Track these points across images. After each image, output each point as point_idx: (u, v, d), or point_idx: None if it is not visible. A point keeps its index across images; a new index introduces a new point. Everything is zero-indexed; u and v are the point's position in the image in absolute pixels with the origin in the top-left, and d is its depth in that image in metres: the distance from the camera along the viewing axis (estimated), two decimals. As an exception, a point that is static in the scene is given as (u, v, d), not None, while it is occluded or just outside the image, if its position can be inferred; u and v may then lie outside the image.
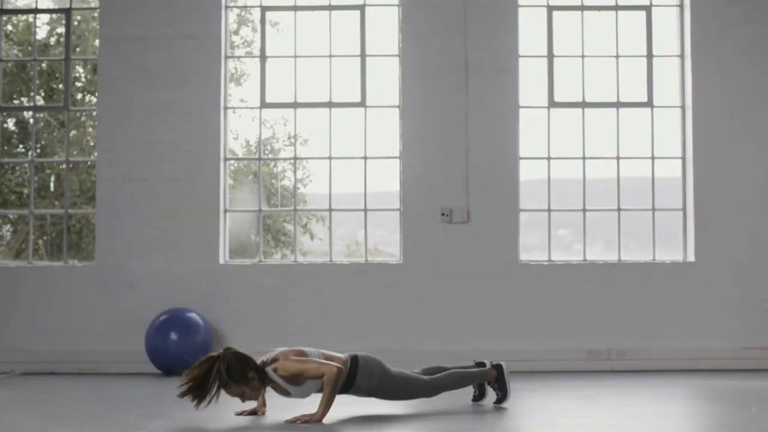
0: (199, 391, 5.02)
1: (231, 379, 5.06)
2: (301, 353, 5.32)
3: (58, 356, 8.41)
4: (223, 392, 5.14)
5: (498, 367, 5.83)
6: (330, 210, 8.85)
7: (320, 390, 5.30)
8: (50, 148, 13.04)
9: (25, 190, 12.16)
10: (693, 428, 5.13)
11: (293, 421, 5.15)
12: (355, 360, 5.46)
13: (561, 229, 9.74)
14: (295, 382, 5.26)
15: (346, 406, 5.64)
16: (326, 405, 5.17)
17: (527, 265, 8.55)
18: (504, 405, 5.79)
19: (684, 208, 8.68)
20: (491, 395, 5.92)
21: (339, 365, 5.25)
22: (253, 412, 5.49)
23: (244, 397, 5.25)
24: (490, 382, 5.84)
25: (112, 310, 8.46)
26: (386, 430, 5.04)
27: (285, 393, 5.35)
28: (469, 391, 6.01)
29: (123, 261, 8.51)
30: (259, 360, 5.29)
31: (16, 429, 5.14)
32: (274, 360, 5.26)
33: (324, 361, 5.29)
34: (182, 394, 5.04)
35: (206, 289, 8.46)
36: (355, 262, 8.79)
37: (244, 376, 5.14)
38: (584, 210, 8.70)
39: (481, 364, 5.91)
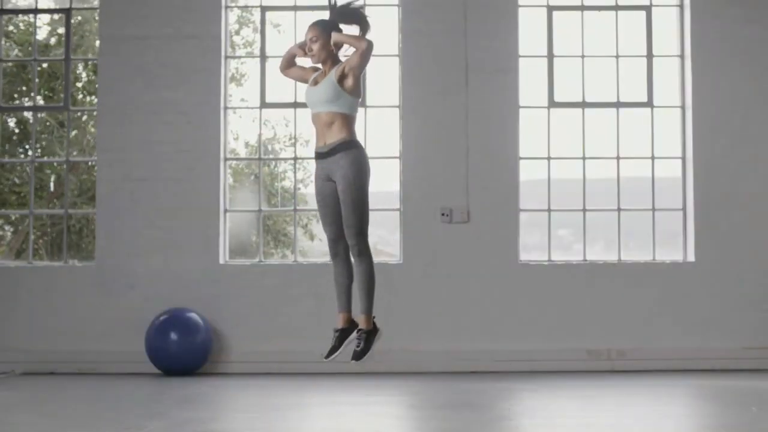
0: (322, 27, 5.27)
1: (334, 27, 5.28)
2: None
3: (58, 356, 8.41)
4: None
5: (374, 322, 5.31)
6: (330, 210, 8.84)
7: (329, 98, 5.25)
8: (50, 148, 13.04)
9: (25, 191, 12.15)
10: (693, 428, 5.13)
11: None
12: (356, 141, 5.30)
13: (561, 229, 9.75)
14: (334, 75, 5.23)
15: (354, 406, 5.64)
16: (348, 37, 5.23)
17: (527, 265, 8.55)
18: (354, 361, 5.20)
19: (684, 208, 8.68)
20: (346, 354, 5.33)
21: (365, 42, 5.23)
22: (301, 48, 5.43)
23: (311, 43, 5.29)
24: (361, 330, 5.26)
25: (112, 310, 8.46)
26: (384, 428, 5.04)
27: (315, 81, 5.33)
28: (481, 392, 6.01)
29: (123, 261, 8.51)
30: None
31: (16, 429, 5.14)
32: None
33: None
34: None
35: (206, 289, 8.46)
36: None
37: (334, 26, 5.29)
38: (584, 210, 8.70)
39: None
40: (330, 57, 5.32)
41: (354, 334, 5.23)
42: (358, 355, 5.17)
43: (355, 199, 5.17)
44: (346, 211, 5.20)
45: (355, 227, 5.18)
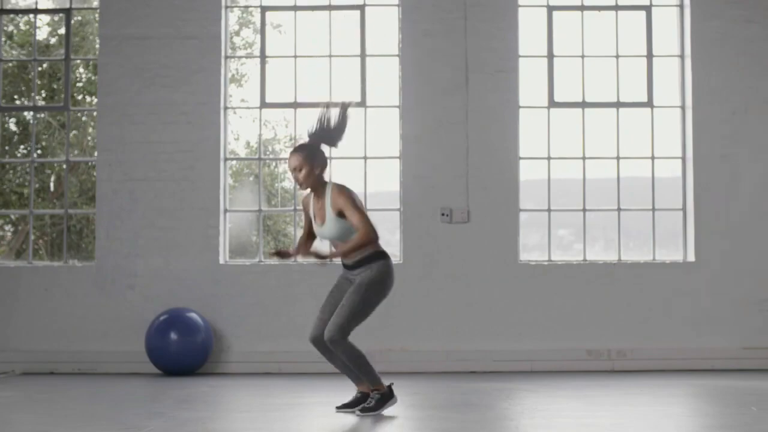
0: (303, 155, 5.45)
1: (315, 158, 5.45)
2: (360, 200, 5.49)
3: (58, 356, 8.42)
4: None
5: (390, 390, 5.55)
6: (330, 210, 8.85)
7: (339, 236, 5.44)
8: (50, 148, 13.04)
9: (26, 191, 12.16)
10: (693, 428, 5.13)
11: (321, 257, 5.40)
12: (382, 255, 5.52)
13: (561, 229, 9.74)
14: (333, 212, 5.39)
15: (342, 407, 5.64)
16: (344, 251, 5.34)
17: (527, 265, 8.55)
18: (362, 415, 5.44)
19: (684, 208, 8.68)
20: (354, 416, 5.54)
21: (376, 234, 5.36)
22: (286, 253, 5.57)
23: (296, 173, 5.45)
24: (373, 391, 5.52)
25: (112, 310, 8.47)
26: (384, 429, 5.04)
27: (321, 219, 5.47)
28: (486, 392, 6.01)
29: (123, 261, 8.51)
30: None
31: (16, 429, 5.14)
32: (336, 185, 5.45)
33: (369, 221, 5.36)
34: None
35: (206, 289, 8.46)
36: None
37: (322, 160, 5.48)
38: (584, 210, 8.70)
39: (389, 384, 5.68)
40: (318, 181, 5.48)
41: (371, 393, 5.53)
42: (363, 410, 5.49)
43: (357, 300, 5.44)
44: (341, 309, 5.45)
45: (338, 323, 5.41)
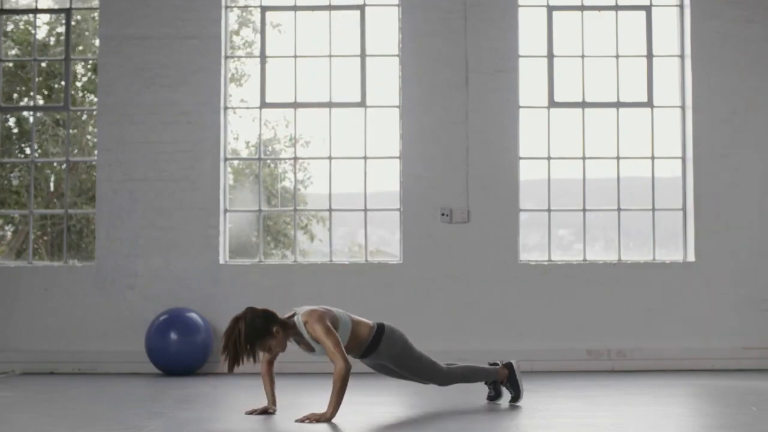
0: (233, 354, 5.15)
1: (255, 335, 5.22)
2: (331, 315, 5.39)
3: (58, 356, 8.42)
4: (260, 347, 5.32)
5: (509, 366, 5.92)
6: (330, 210, 8.86)
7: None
8: (46, 147, 13.03)
9: (26, 190, 12.15)
10: (693, 428, 5.12)
11: (302, 421, 5.15)
12: (381, 327, 5.57)
13: (561, 229, 9.74)
14: (315, 342, 5.35)
15: (354, 406, 5.64)
16: (335, 404, 5.19)
17: (527, 265, 8.55)
18: (519, 404, 5.88)
19: (684, 208, 8.68)
20: (506, 395, 6.01)
21: (348, 364, 5.21)
22: (264, 411, 5.49)
23: (271, 351, 5.36)
24: (503, 381, 5.93)
25: (112, 310, 8.47)
26: (384, 429, 5.04)
27: (309, 349, 5.43)
28: (481, 392, 6.02)
29: (123, 261, 8.51)
30: (285, 315, 5.47)
31: (16, 429, 5.14)
32: (304, 315, 5.38)
33: (340, 349, 5.23)
34: (226, 363, 5.17)
35: (206, 289, 8.46)
36: (355, 262, 8.79)
37: (267, 330, 5.28)
38: (584, 210, 8.70)
39: (494, 365, 5.98)
40: (284, 336, 5.38)
41: (504, 384, 5.96)
42: (514, 400, 5.92)
43: (411, 366, 5.67)
44: (408, 374, 5.74)
45: (426, 377, 5.77)
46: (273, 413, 5.49)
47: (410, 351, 5.64)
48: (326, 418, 5.14)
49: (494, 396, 6.00)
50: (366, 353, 5.54)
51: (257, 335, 5.24)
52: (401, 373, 5.71)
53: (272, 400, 5.55)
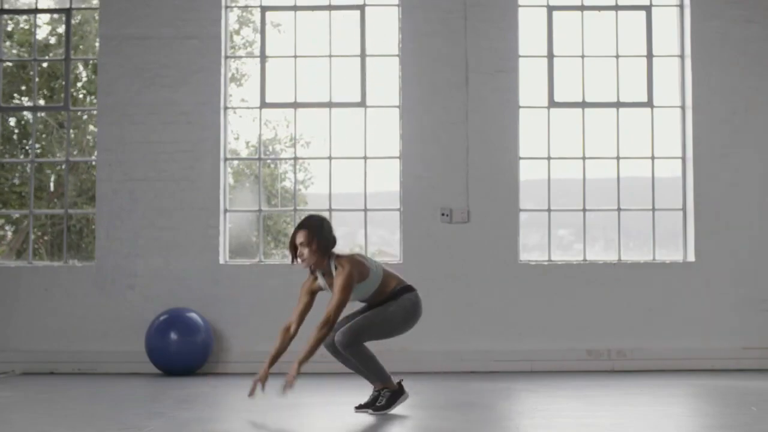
0: (308, 227, 5.45)
1: (329, 235, 5.49)
2: (360, 270, 5.46)
3: (58, 356, 8.42)
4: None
5: (400, 387, 5.62)
6: (330, 210, 8.85)
7: (362, 297, 5.51)
8: (49, 148, 13.04)
9: (26, 189, 12.16)
10: (693, 428, 5.12)
11: (287, 385, 5.31)
12: (405, 290, 5.58)
13: (561, 229, 9.74)
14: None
15: (352, 406, 5.64)
16: (306, 354, 5.36)
17: (527, 265, 8.55)
18: (375, 414, 5.50)
19: (684, 208, 8.68)
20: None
21: (329, 329, 5.36)
22: (254, 386, 5.52)
23: (306, 259, 5.46)
24: (383, 389, 5.57)
25: (112, 310, 8.47)
26: (385, 428, 5.04)
27: (330, 285, 5.50)
28: (482, 392, 6.00)
29: (123, 261, 8.51)
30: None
31: (16, 429, 5.14)
32: (340, 260, 5.47)
33: (337, 312, 5.38)
34: (293, 255, 5.50)
35: (206, 289, 8.46)
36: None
37: (333, 241, 5.52)
38: (584, 210, 8.70)
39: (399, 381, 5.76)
40: (321, 259, 5.48)
41: (381, 392, 5.57)
42: (376, 409, 5.52)
43: (379, 316, 5.51)
44: (364, 315, 5.53)
45: (355, 327, 5.47)
46: (262, 389, 5.50)
47: (390, 318, 5.53)
48: (295, 370, 5.31)
49: (365, 405, 5.61)
50: (380, 300, 5.56)
51: (329, 236, 5.49)
52: (360, 311, 5.64)
53: (266, 370, 5.58)
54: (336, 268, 5.43)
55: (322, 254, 5.47)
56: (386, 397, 5.53)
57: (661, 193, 8.72)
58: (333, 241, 5.53)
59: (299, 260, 5.51)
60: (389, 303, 5.55)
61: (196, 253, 8.51)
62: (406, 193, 8.58)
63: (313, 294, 5.64)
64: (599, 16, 8.91)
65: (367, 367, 5.54)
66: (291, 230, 10.23)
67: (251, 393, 5.51)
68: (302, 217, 5.63)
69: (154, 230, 8.54)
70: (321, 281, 5.58)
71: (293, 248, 5.51)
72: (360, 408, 5.59)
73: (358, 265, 5.44)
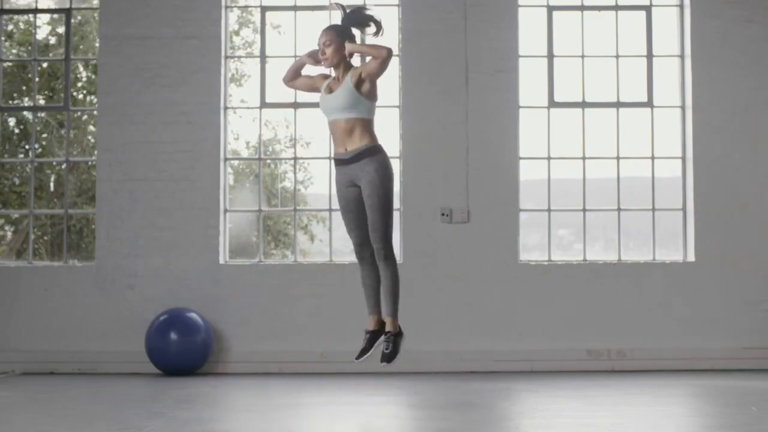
0: (336, 31, 5.36)
1: (345, 35, 5.36)
2: None
3: (58, 356, 8.41)
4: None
5: (399, 330, 5.44)
6: (330, 210, 8.85)
7: (346, 106, 5.33)
8: (49, 148, 13.04)
9: (26, 189, 12.16)
10: (693, 428, 5.13)
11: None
12: (381, 147, 5.40)
13: (561, 229, 9.74)
14: (351, 82, 5.30)
15: (354, 406, 5.64)
16: (363, 49, 5.36)
17: (527, 265, 8.55)
18: (385, 364, 5.31)
19: (684, 208, 8.68)
20: (375, 358, 5.44)
21: (386, 52, 5.29)
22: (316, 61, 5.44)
23: (324, 46, 5.34)
24: (389, 332, 5.38)
25: (112, 310, 8.47)
26: (385, 428, 5.04)
27: (330, 89, 5.37)
28: (487, 391, 6.00)
29: (123, 261, 8.51)
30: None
31: (16, 429, 5.14)
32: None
33: (380, 51, 5.31)
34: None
35: (206, 289, 8.46)
36: (355, 262, 8.76)
37: (352, 36, 5.39)
38: (584, 210, 8.70)
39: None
40: (343, 61, 5.38)
41: (382, 337, 5.36)
42: (388, 357, 5.30)
43: (382, 203, 5.27)
44: (373, 216, 5.28)
45: (380, 231, 5.27)
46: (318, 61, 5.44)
47: (388, 194, 5.31)
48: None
49: (365, 350, 5.42)
50: (361, 155, 5.30)
51: (350, 32, 5.40)
52: (364, 214, 5.36)
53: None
54: (358, 67, 5.35)
55: (343, 56, 5.36)
56: (391, 341, 5.33)
57: (661, 193, 8.72)
58: (353, 39, 5.44)
59: (323, 61, 5.39)
60: (371, 175, 5.27)
61: (196, 253, 8.51)
62: (406, 193, 8.58)
63: (306, 84, 5.56)
64: (599, 16, 8.91)
65: (395, 288, 5.36)
66: (291, 230, 10.28)
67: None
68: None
69: (154, 230, 8.54)
70: (323, 85, 5.45)
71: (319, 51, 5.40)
72: (361, 355, 5.39)
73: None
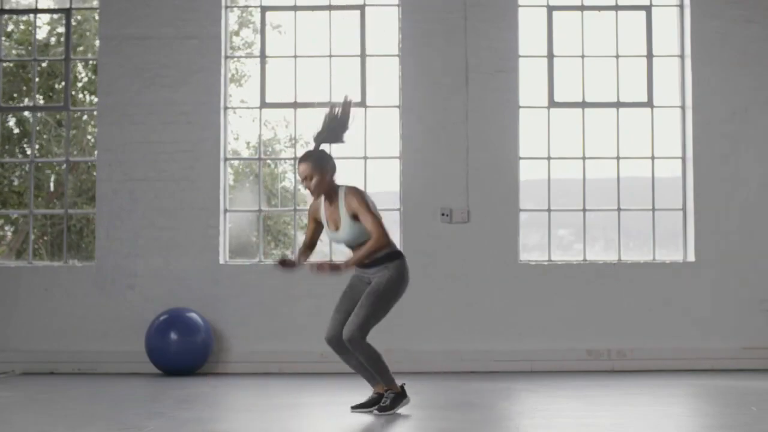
0: (313, 163, 5.42)
1: (324, 164, 5.42)
2: (371, 201, 5.45)
3: (58, 356, 8.41)
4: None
5: (403, 390, 5.57)
6: (330, 210, 8.84)
7: (355, 240, 5.44)
8: (49, 148, 13.04)
9: (26, 188, 12.16)
10: (693, 428, 5.13)
11: (317, 267, 5.27)
12: (402, 254, 5.53)
13: (561, 229, 9.74)
14: (348, 216, 5.38)
15: (347, 406, 5.64)
16: (357, 260, 5.32)
17: (527, 265, 8.55)
18: (379, 414, 5.45)
19: (684, 208, 8.68)
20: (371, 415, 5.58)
21: (388, 239, 5.34)
22: (291, 264, 5.55)
23: (307, 182, 5.45)
24: (387, 391, 5.53)
25: (112, 310, 8.47)
26: (384, 429, 5.04)
27: (334, 223, 5.46)
28: (487, 392, 6.00)
29: (123, 261, 8.51)
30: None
31: (16, 429, 5.14)
32: (347, 188, 5.46)
33: (381, 224, 5.34)
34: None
35: (206, 289, 8.46)
36: (355, 262, 8.76)
37: (331, 165, 5.46)
38: (584, 210, 8.70)
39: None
40: (330, 187, 5.47)
41: (385, 393, 5.53)
42: (380, 409, 5.48)
43: (375, 301, 5.42)
44: (362, 304, 5.42)
45: (359, 320, 5.39)
46: (293, 265, 5.56)
47: (387, 296, 5.45)
48: (343, 265, 5.28)
49: (364, 404, 5.60)
50: (380, 260, 5.45)
51: (329, 165, 5.46)
52: (357, 301, 5.52)
53: (301, 259, 5.60)
54: (345, 202, 5.41)
55: (328, 183, 5.45)
56: (390, 398, 5.48)
57: (661, 193, 8.72)
58: (333, 168, 5.50)
59: (309, 185, 5.49)
60: (380, 277, 5.44)
61: (196, 253, 8.51)
62: (406, 193, 8.58)
63: (318, 221, 5.63)
64: (599, 16, 8.91)
65: (374, 366, 5.47)
66: (291, 230, 10.27)
67: (281, 262, 5.57)
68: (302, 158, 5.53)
69: (154, 230, 8.54)
70: (323, 213, 5.54)
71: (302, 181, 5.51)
72: (358, 408, 5.56)
73: (366, 196, 5.44)
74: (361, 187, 5.61)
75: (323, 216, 5.57)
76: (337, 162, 8.79)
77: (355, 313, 5.42)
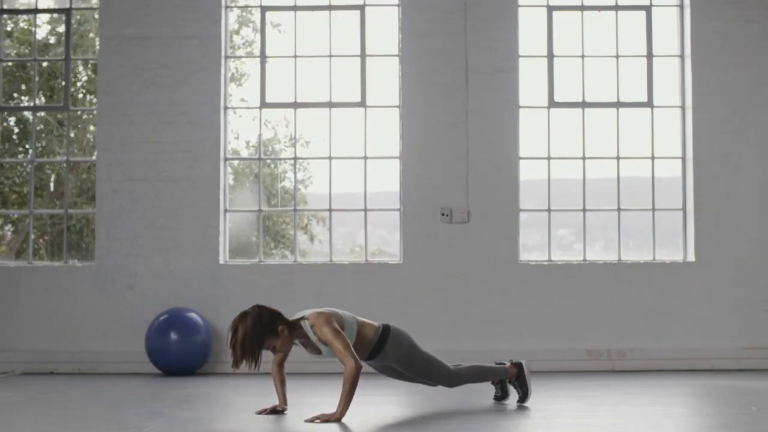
0: (239, 350, 5.16)
1: (261, 332, 5.22)
2: (338, 317, 5.38)
3: (58, 356, 8.42)
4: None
5: (518, 365, 5.90)
6: (330, 210, 8.86)
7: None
8: (49, 147, 13.04)
9: (25, 189, 12.16)
10: (693, 428, 5.12)
11: (312, 421, 5.14)
12: (387, 329, 5.56)
13: (561, 229, 9.74)
14: (325, 344, 5.32)
15: (358, 406, 5.64)
16: (345, 404, 5.18)
17: (527, 265, 8.55)
18: (526, 404, 5.86)
19: (684, 208, 8.68)
20: (514, 395, 6.00)
21: (359, 364, 5.19)
22: (273, 411, 5.47)
23: (275, 351, 5.36)
24: (511, 380, 5.91)
25: (112, 310, 8.47)
26: (384, 429, 5.04)
27: (315, 351, 5.41)
28: (487, 392, 6.01)
29: (123, 261, 8.51)
30: (292, 318, 5.43)
31: (16, 429, 5.14)
32: (311, 318, 5.36)
33: (350, 350, 5.21)
34: (234, 364, 5.16)
35: (206, 289, 8.46)
36: (355, 262, 8.79)
37: (273, 329, 5.27)
38: (584, 210, 8.70)
39: (500, 364, 5.97)
40: (292, 335, 5.38)
41: (510, 384, 5.98)
42: (521, 400, 5.89)
43: (418, 367, 5.64)
44: (414, 375, 5.71)
45: (433, 378, 5.71)
46: (283, 412, 5.47)
47: (417, 352, 5.62)
48: (336, 418, 5.14)
49: (501, 396, 5.98)
50: (372, 355, 5.53)
51: (263, 332, 5.24)
52: (408, 375, 5.68)
53: (283, 400, 5.53)
54: (314, 333, 5.30)
55: (290, 333, 5.34)
56: (516, 385, 5.86)
57: (661, 193, 8.73)
58: (278, 318, 5.33)
59: (280, 350, 5.40)
60: (395, 357, 5.56)
61: (196, 253, 8.51)
62: (406, 193, 8.58)
63: (283, 361, 5.56)
64: (599, 16, 8.91)
65: (482, 378, 5.85)
66: (291, 230, 10.28)
67: (261, 412, 5.48)
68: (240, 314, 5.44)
69: (154, 230, 8.54)
70: (307, 350, 5.47)
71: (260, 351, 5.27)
72: (499, 400, 5.96)
73: (331, 319, 5.31)
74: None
75: (309, 350, 5.47)
76: (337, 162, 8.84)
77: (423, 381, 5.72)
